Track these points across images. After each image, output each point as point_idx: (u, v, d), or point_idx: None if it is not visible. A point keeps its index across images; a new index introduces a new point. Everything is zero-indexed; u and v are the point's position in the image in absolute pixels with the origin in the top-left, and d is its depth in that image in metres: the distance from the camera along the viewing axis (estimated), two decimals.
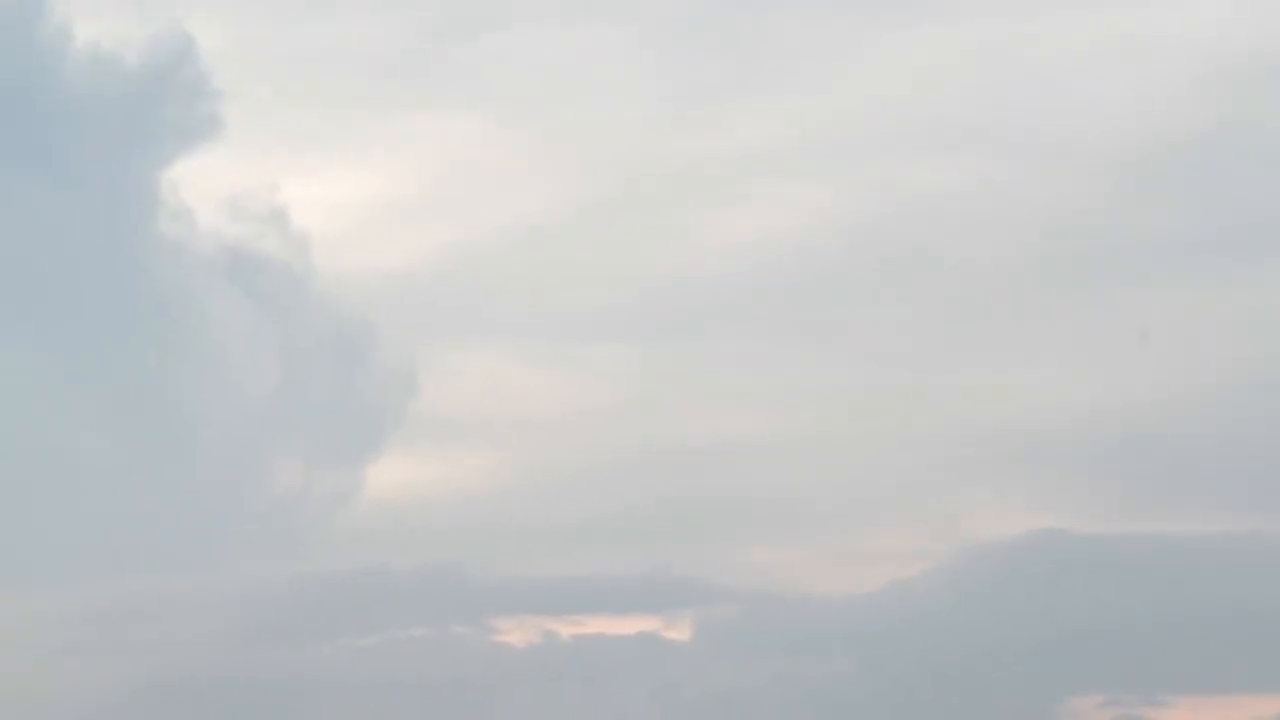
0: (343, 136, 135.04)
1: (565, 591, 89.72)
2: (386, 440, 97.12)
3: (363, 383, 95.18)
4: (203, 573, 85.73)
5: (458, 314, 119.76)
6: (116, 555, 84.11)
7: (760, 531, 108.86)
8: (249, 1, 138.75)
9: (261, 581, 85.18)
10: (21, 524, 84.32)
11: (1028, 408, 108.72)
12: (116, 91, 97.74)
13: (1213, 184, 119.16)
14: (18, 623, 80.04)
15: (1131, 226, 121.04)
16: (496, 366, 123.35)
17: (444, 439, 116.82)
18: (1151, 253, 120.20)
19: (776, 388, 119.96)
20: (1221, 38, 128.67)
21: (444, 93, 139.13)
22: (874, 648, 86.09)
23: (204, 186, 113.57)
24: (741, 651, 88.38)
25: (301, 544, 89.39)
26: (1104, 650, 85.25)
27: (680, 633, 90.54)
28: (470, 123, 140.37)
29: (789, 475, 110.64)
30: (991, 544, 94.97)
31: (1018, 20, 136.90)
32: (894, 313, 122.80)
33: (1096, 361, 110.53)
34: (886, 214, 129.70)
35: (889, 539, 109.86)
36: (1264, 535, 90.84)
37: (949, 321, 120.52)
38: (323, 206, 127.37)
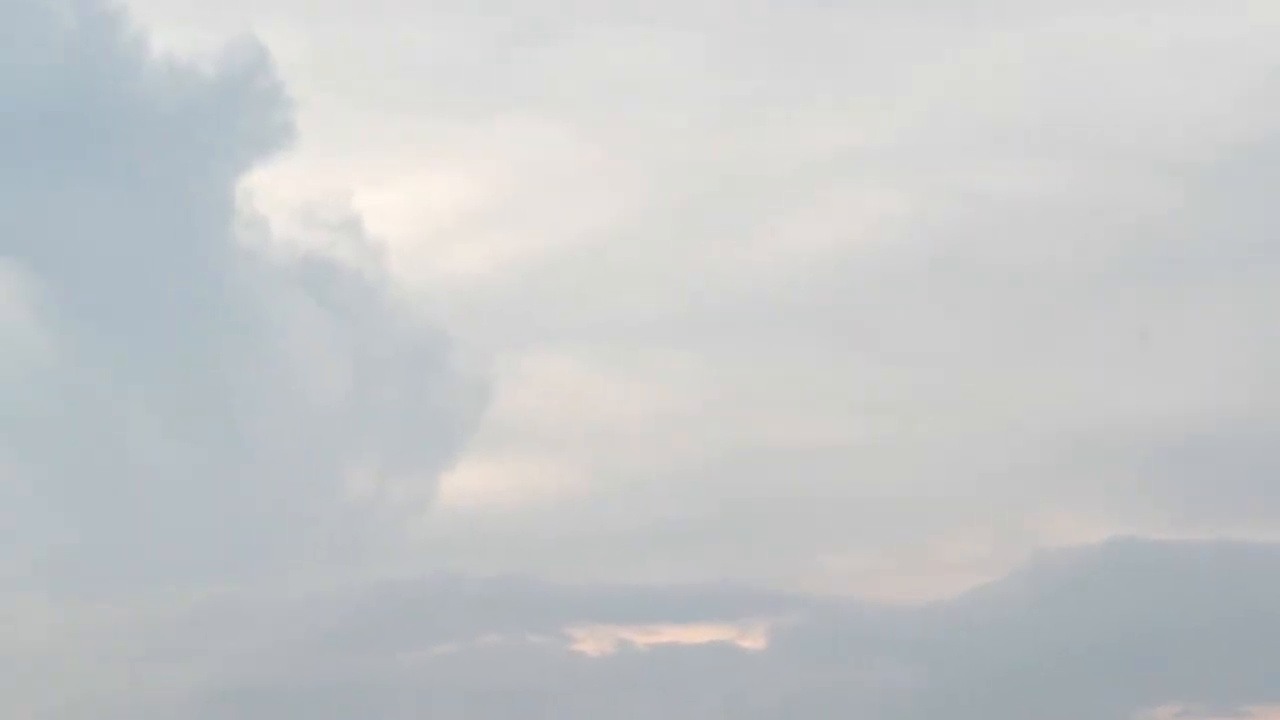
0: (416, 144, 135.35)
1: (639, 600, 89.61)
2: (460, 448, 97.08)
3: (436, 390, 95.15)
4: (276, 581, 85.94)
5: (531, 321, 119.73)
6: (191, 563, 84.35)
7: (833, 539, 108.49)
8: (323, 10, 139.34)
9: (335, 589, 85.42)
10: (97, 533, 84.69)
11: (1100, 413, 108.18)
12: (191, 101, 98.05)
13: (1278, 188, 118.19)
14: (95, 631, 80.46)
15: (1199, 230, 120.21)
16: (569, 374, 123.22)
17: (517, 447, 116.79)
18: (1219, 257, 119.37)
19: (848, 393, 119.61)
20: None
21: (516, 100, 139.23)
22: (947, 655, 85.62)
23: (278, 195, 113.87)
24: (815, 659, 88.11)
25: (375, 552, 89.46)
26: (1179, 659, 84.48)
27: (754, 641, 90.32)
28: (542, 129, 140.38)
29: (861, 481, 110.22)
30: (1065, 551, 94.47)
31: (1085, 24, 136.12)
32: (964, 317, 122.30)
33: (1163, 366, 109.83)
34: (953, 218, 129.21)
35: (962, 546, 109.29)
36: None
37: (1020, 326, 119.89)
38: (396, 214, 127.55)
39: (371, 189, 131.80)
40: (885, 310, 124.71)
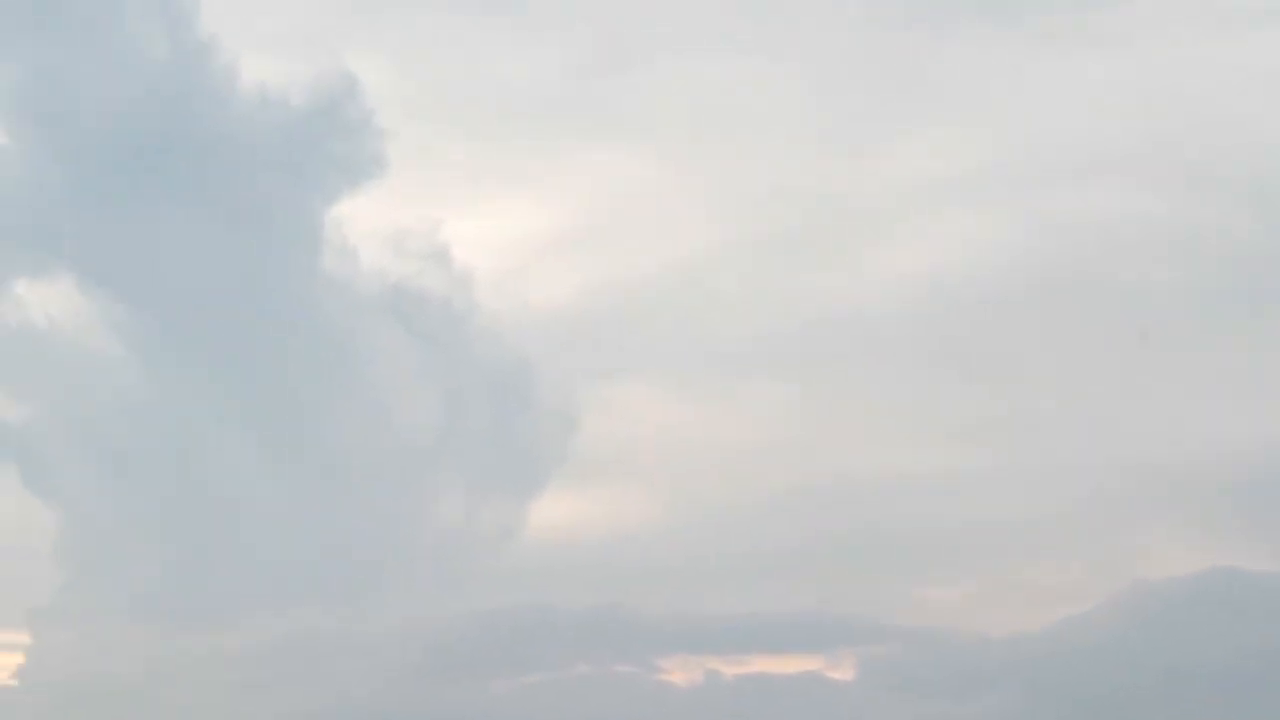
0: (504, 173, 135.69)
1: (728, 630, 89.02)
2: (548, 477, 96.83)
3: (524, 419, 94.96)
4: (367, 611, 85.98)
5: (618, 350, 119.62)
6: (281, 594, 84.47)
7: (924, 568, 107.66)
8: (412, 39, 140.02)
9: (424, 619, 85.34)
10: (190, 563, 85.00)
11: (1199, 440, 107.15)
12: (282, 130, 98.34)
13: None
14: (189, 661, 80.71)
15: None
16: (657, 402, 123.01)
17: (605, 476, 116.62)
18: None
19: (939, 421, 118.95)
20: None
21: (604, 127, 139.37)
22: (1040, 687, 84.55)
23: (367, 224, 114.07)
24: (905, 691, 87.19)
25: (464, 582, 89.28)
26: (1278, 691, 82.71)
27: (843, 672, 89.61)
28: (630, 157, 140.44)
29: (953, 510, 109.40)
30: (1160, 581, 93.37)
31: (1178, 49, 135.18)
32: (1059, 344, 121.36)
33: (1266, 393, 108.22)
34: (1048, 245, 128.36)
35: (1055, 575, 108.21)
36: None
37: (1115, 353, 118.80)
38: (484, 243, 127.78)
39: (460, 217, 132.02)
40: (978, 337, 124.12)
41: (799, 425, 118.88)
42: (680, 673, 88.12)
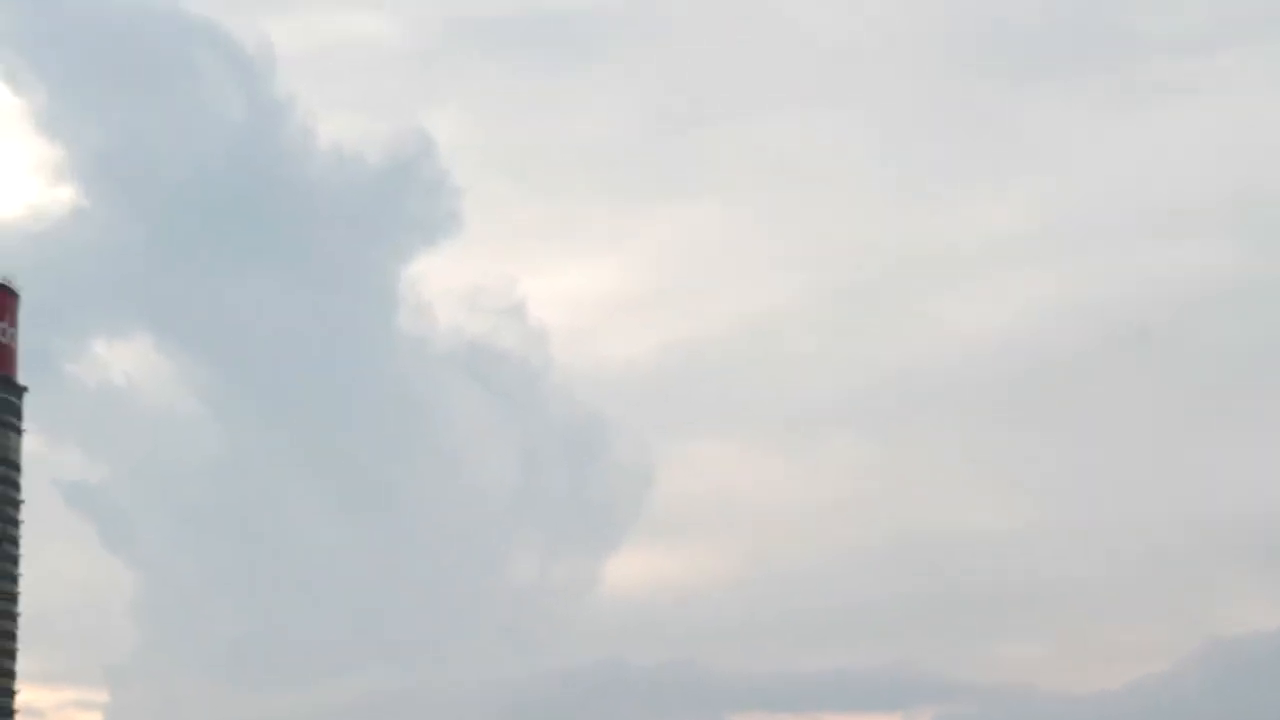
0: (579, 230, 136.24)
1: (803, 687, 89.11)
2: (623, 534, 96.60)
3: (599, 476, 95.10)
4: (444, 666, 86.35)
5: (693, 406, 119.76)
6: (358, 651, 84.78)
7: (1002, 625, 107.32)
8: (486, 100, 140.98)
9: (501, 674, 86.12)
10: (269, 621, 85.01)
11: (1274, 496, 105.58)
12: (358, 189, 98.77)
13: None
14: (270, 718, 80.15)
15: None
16: (731, 459, 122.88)
17: (680, 532, 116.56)
18: None
19: (1017, 477, 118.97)
20: None
21: (678, 184, 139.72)
22: None
23: (443, 282, 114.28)
24: None
25: (539, 638, 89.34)
26: None
27: None
28: (704, 213, 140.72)
29: (1030, 566, 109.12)
30: (1239, 639, 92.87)
31: (1254, 103, 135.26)
32: (1135, 399, 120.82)
33: None
34: (1124, 300, 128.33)
35: (1134, 632, 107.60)
36: None
37: (1192, 409, 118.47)
38: (559, 300, 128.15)
39: (535, 274, 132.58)
40: (1054, 392, 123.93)
41: (874, 481, 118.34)
42: None
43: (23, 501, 78.00)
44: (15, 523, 77.72)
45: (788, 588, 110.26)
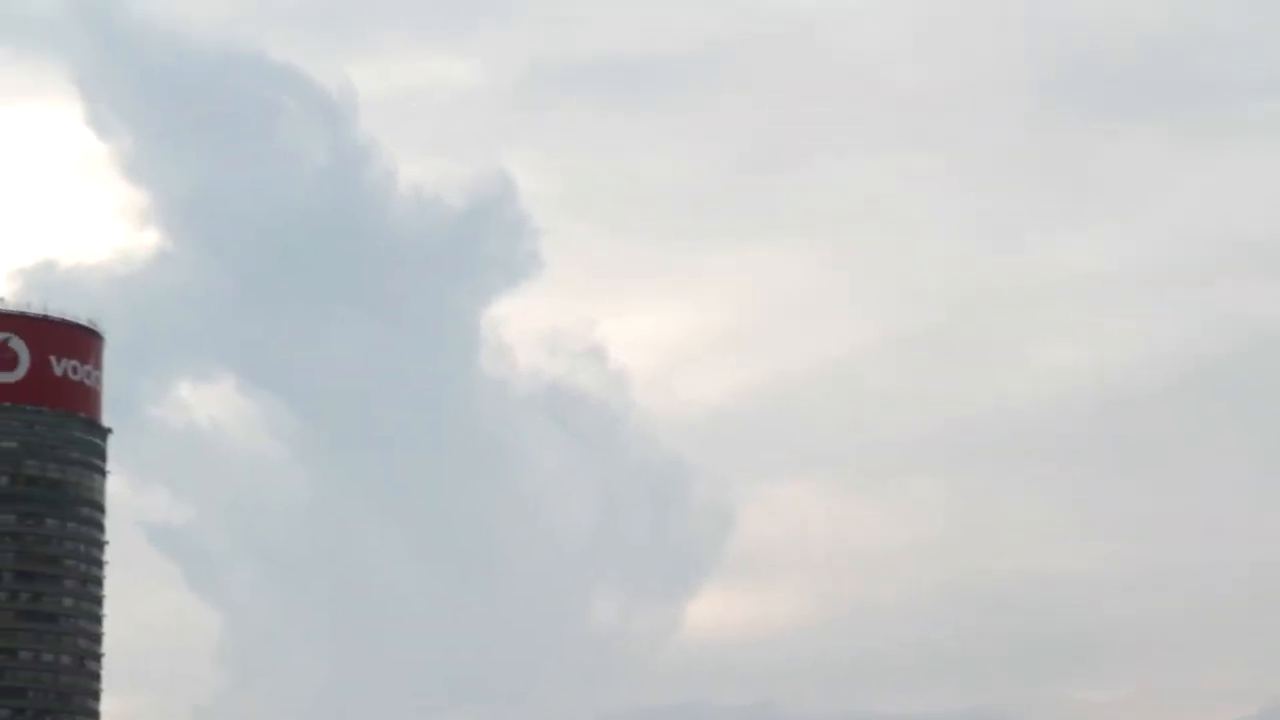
0: (658, 271, 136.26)
1: None
2: (703, 575, 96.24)
3: (679, 518, 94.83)
4: (525, 709, 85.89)
5: (773, 447, 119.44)
6: (440, 693, 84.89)
7: (1081, 669, 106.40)
8: (566, 142, 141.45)
9: (581, 717, 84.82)
10: (350, 663, 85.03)
11: None
12: (439, 231, 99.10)
13: None
14: None
15: None
16: (811, 501, 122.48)
17: (760, 574, 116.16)
18: None
19: (1093, 519, 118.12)
20: None
21: (758, 226, 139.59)
22: None
23: (523, 323, 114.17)
24: None
25: (619, 680, 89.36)
26: None
27: None
28: (783, 256, 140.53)
29: (1109, 609, 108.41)
30: None
31: None
32: (1214, 441, 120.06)
33: None
34: (1205, 341, 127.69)
35: (1216, 676, 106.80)
36: None
37: (1276, 449, 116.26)
38: (639, 342, 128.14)
39: (614, 316, 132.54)
40: (1133, 434, 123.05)
41: (953, 523, 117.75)
42: None
43: (107, 543, 78.56)
44: (100, 564, 78.23)
45: (868, 629, 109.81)
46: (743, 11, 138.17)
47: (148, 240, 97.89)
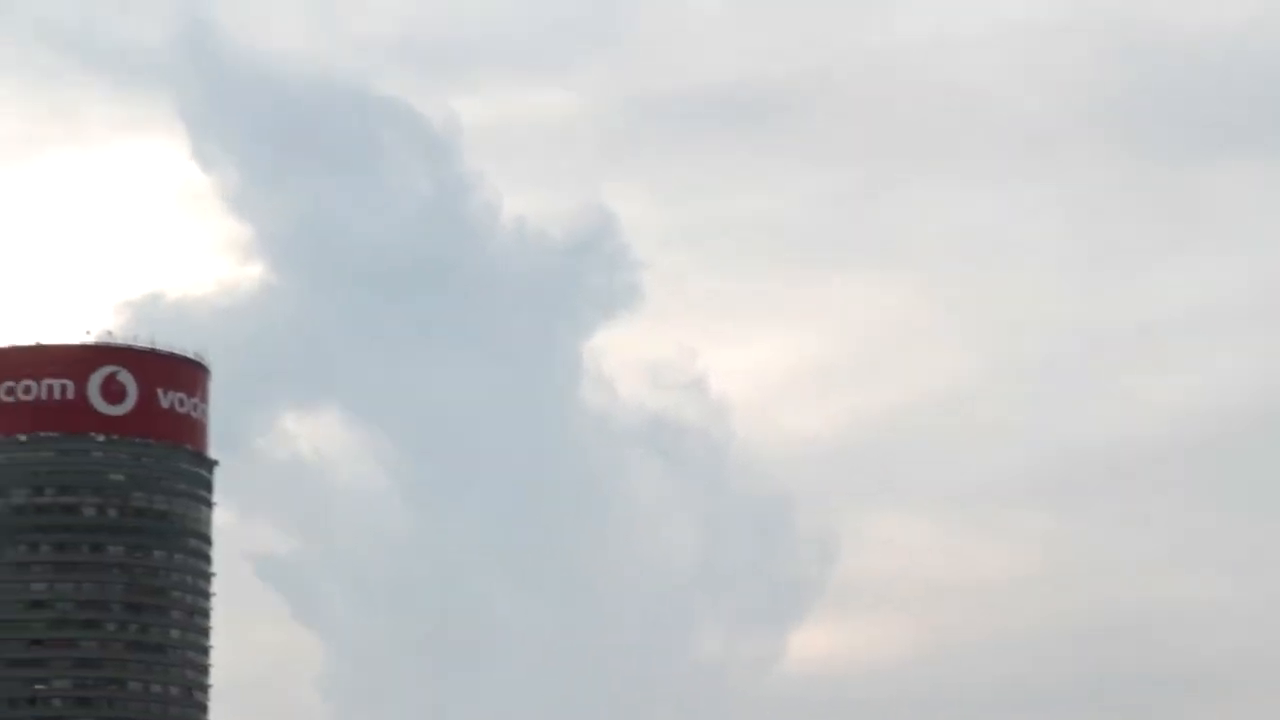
0: (759, 302, 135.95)
1: None
2: (807, 608, 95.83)
3: (782, 550, 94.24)
4: None
5: (877, 480, 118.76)
6: None
7: (1193, 705, 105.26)
8: (668, 174, 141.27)
9: None
10: (449, 692, 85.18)
11: None
12: (541, 263, 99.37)
13: None
14: None
15: None
16: (916, 533, 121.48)
17: (864, 606, 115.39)
18: None
19: (1205, 552, 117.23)
20: None
21: (860, 256, 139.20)
22: None
23: (625, 356, 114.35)
24: None
25: (723, 711, 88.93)
26: None
27: None
28: (885, 287, 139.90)
29: (1223, 646, 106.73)
30: None
31: None
32: None
33: None
34: None
35: None
36: None
37: None
38: (741, 373, 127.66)
39: (716, 347, 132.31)
40: (1244, 466, 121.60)
41: (1061, 556, 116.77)
42: None
43: (214, 574, 79.16)
44: (207, 595, 78.84)
45: (971, 662, 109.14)
46: (845, 41, 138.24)
47: (252, 273, 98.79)
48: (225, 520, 79.23)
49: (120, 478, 73.63)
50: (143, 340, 76.15)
